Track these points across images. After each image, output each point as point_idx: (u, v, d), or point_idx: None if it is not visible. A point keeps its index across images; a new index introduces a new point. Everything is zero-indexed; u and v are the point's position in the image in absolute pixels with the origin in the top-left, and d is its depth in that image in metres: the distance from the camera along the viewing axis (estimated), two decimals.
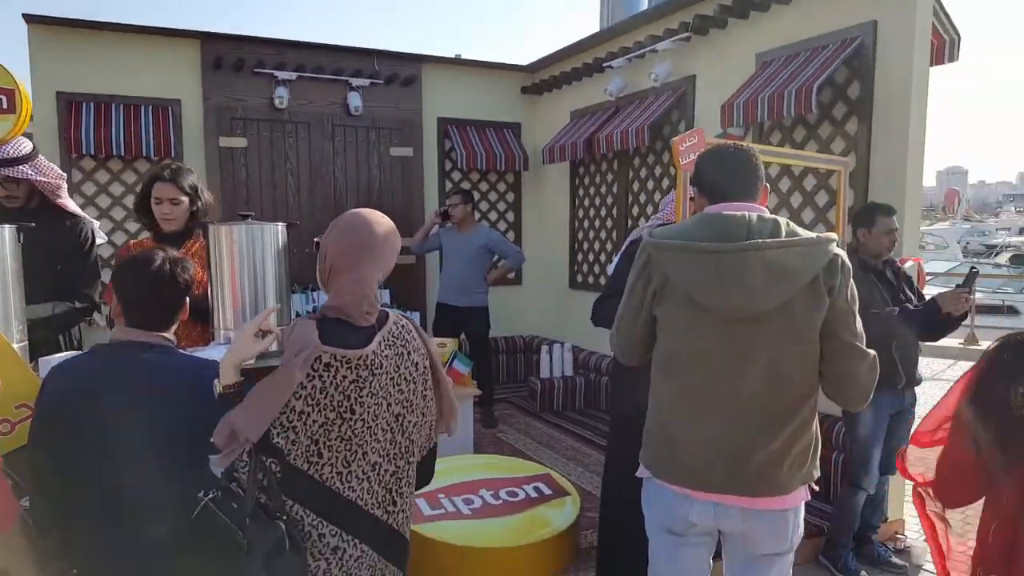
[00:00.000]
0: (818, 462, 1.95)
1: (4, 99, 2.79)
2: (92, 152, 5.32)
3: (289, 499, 1.62)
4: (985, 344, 8.32)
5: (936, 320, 3.36)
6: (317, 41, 6.36)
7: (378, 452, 1.72)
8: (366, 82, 6.21)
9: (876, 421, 3.43)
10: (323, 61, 6.10)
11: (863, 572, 3.49)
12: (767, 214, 1.82)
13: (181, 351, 1.97)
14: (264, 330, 1.74)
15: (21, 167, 2.99)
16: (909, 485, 4.48)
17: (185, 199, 2.98)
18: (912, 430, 3.58)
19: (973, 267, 3.51)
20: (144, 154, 5.44)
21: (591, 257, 6.38)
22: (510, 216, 7.00)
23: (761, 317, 1.73)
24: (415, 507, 3.20)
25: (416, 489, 1.94)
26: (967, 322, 9.94)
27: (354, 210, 1.85)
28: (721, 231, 1.75)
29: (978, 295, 11.09)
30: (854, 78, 3.93)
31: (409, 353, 1.77)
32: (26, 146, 3.03)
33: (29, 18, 5.27)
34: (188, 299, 1.98)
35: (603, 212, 6.19)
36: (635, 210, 5.77)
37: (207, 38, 5.81)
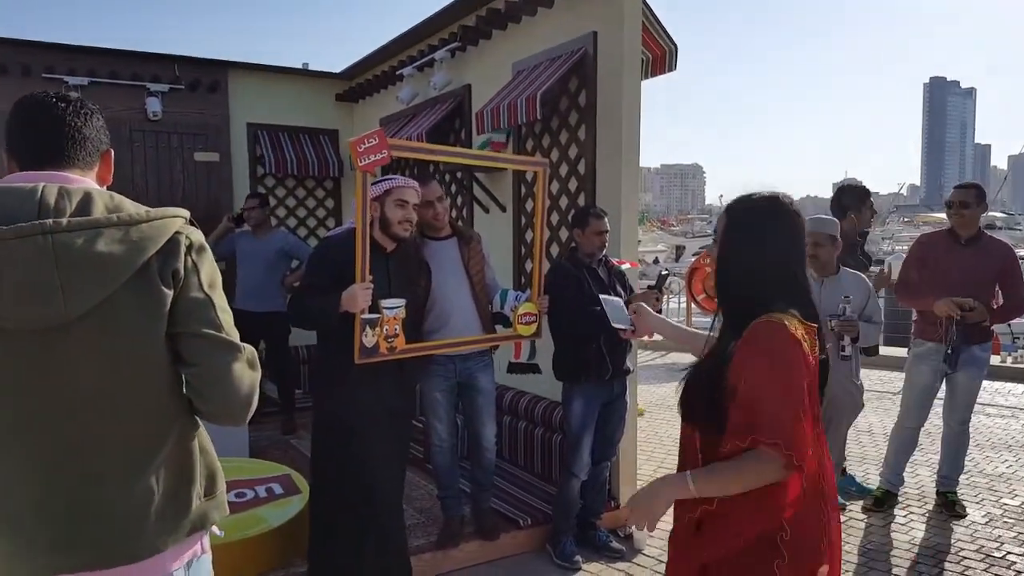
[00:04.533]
0: (219, 497, 1.54)
1: None
2: None
3: None
4: None
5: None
6: (112, 47, 6.21)
7: None
8: (166, 87, 6.13)
9: (586, 410, 3.61)
10: (118, 66, 6.00)
11: (578, 557, 3.65)
12: (86, 185, 1.36)
13: None
14: None
15: None
16: (647, 471, 4.75)
17: None
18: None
19: (664, 271, 3.75)
20: None
21: None
22: (330, 222, 7.02)
23: (69, 327, 1.28)
24: None
25: None
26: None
27: None
28: (6, 211, 1.26)
29: None
30: (583, 86, 4.15)
31: None
32: None
33: None
34: None
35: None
36: None
37: None
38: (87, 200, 1.31)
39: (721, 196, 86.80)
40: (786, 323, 1.66)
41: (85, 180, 1.41)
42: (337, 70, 6.95)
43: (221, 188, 6.47)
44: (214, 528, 1.56)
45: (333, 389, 3.08)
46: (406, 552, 3.19)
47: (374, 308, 2.90)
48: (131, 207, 1.35)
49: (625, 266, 3.85)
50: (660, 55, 4.21)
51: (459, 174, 5.41)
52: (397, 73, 5.86)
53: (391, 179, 3.11)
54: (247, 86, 6.55)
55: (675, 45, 4.16)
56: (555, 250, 4.49)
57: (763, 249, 1.75)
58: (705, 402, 1.70)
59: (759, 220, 1.79)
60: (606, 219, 3.63)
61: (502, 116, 4.25)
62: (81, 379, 1.32)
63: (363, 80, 6.57)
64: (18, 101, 1.45)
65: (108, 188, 1.48)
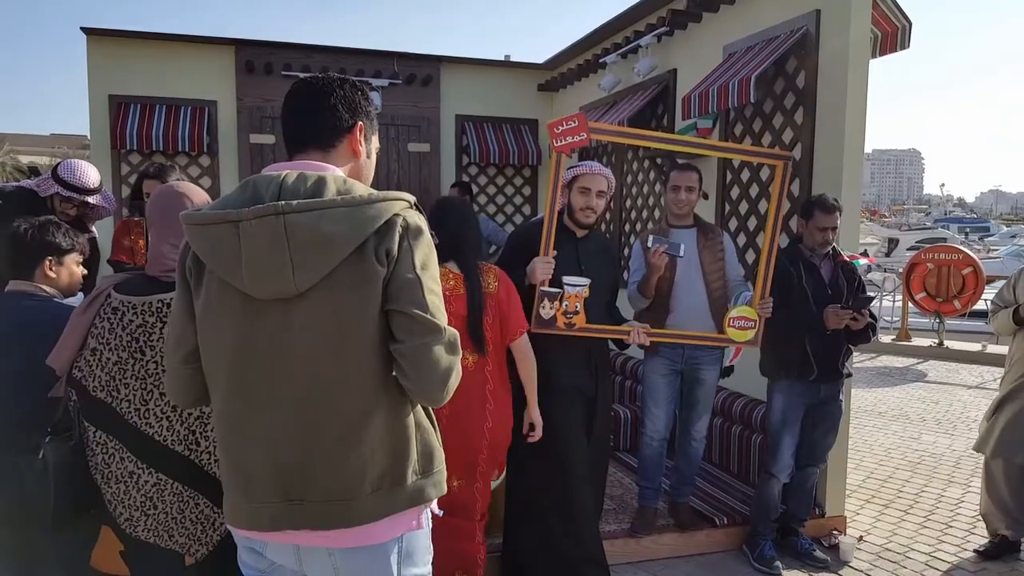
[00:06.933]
0: (436, 475, 1.58)
1: None
2: (135, 147, 5.99)
3: (93, 425, 1.95)
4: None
5: (831, 331, 3.34)
6: (340, 45, 6.79)
7: None
8: (386, 82, 6.60)
9: (787, 408, 3.45)
10: (346, 63, 6.55)
11: (778, 563, 3.49)
12: (324, 170, 1.48)
13: (56, 301, 2.35)
14: None
15: (98, 195, 3.58)
16: (855, 481, 4.40)
17: None
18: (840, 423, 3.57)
19: (864, 294, 3.43)
20: (181, 149, 6.08)
21: None
22: (527, 209, 7.21)
23: (300, 298, 1.41)
24: None
25: None
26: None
27: (167, 183, 2.13)
28: (250, 195, 1.42)
29: None
30: (801, 68, 3.91)
31: None
32: (95, 175, 3.59)
33: (87, 30, 5.99)
34: (51, 258, 2.36)
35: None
36: (628, 202, 5.86)
37: (240, 44, 6.39)
38: (320, 183, 1.42)
39: (943, 185, 77.43)
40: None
41: (323, 164, 1.50)
42: (534, 61, 7.14)
43: (430, 177, 6.87)
44: (433, 506, 1.60)
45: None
46: (598, 536, 3.22)
47: (559, 284, 3.00)
48: (359, 190, 1.44)
49: (862, 262, 3.58)
50: (891, 32, 3.85)
51: (659, 160, 5.34)
52: (600, 61, 5.86)
53: (581, 165, 3.15)
54: (456, 79, 6.88)
55: (909, 21, 3.78)
56: (752, 223, 4.34)
57: (440, 229, 2.56)
58: None
59: (437, 210, 2.82)
60: (837, 214, 3.37)
61: (711, 100, 4.12)
62: (309, 348, 1.43)
63: (565, 69, 6.66)
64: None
65: (367, 159, 1.60)
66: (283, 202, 1.37)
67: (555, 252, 3.00)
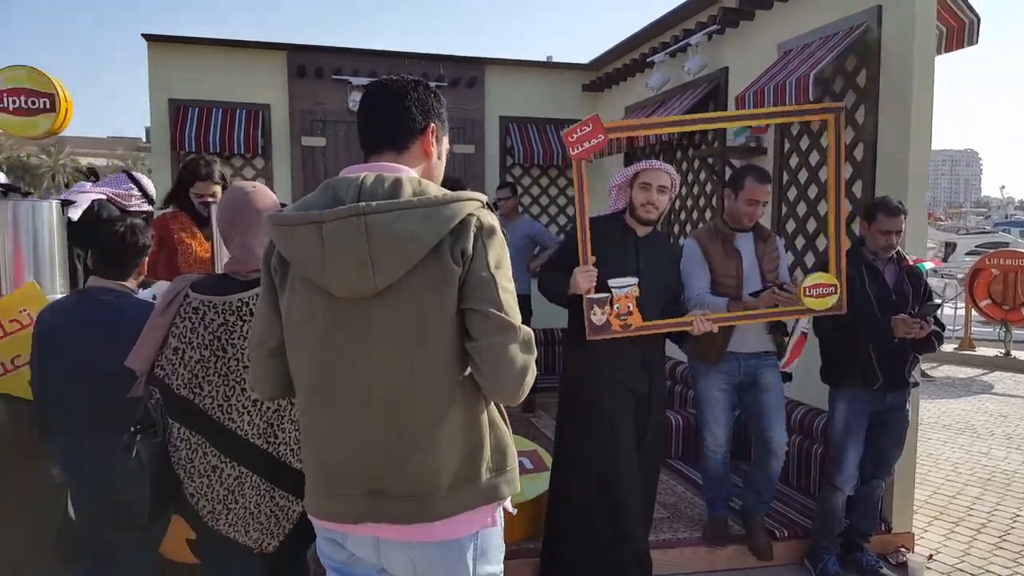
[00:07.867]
0: (509, 473, 1.59)
1: (47, 101, 3.41)
2: (193, 149, 6.04)
3: (177, 422, 2.00)
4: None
5: (898, 339, 3.19)
6: (388, 49, 6.83)
7: None
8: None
9: (850, 417, 3.30)
10: (393, 66, 6.53)
11: None
12: (400, 171, 1.52)
13: (135, 296, 2.43)
14: None
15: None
16: (921, 496, 4.19)
17: (217, 188, 3.49)
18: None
19: (931, 302, 3.29)
20: (237, 151, 6.16)
21: None
22: (570, 210, 7.13)
23: (379, 297, 1.44)
24: None
25: None
26: None
27: (238, 183, 2.13)
28: (330, 197, 1.46)
29: None
30: (862, 66, 3.75)
31: None
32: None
33: (147, 37, 6.13)
34: (145, 257, 2.46)
35: None
36: (677, 203, 5.73)
37: (293, 49, 6.47)
38: (397, 185, 1.46)
39: (1003, 187, 74.65)
40: None
41: (398, 166, 1.54)
42: (578, 61, 7.07)
43: (475, 178, 6.83)
44: (507, 504, 1.63)
45: (573, 365, 3.17)
46: (644, 543, 3.13)
47: (606, 288, 2.91)
48: (434, 191, 1.47)
49: (927, 265, 3.41)
50: (958, 27, 3.65)
51: (711, 160, 5.20)
52: (647, 60, 5.75)
53: (643, 161, 3.10)
54: (501, 81, 6.85)
55: (977, 16, 3.59)
56: (811, 225, 4.17)
57: None
58: None
59: None
60: (902, 217, 3.21)
61: (767, 99, 3.97)
62: (389, 345, 1.46)
63: (611, 69, 6.56)
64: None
65: (438, 160, 1.64)
66: (364, 203, 1.40)
67: (594, 259, 2.93)
